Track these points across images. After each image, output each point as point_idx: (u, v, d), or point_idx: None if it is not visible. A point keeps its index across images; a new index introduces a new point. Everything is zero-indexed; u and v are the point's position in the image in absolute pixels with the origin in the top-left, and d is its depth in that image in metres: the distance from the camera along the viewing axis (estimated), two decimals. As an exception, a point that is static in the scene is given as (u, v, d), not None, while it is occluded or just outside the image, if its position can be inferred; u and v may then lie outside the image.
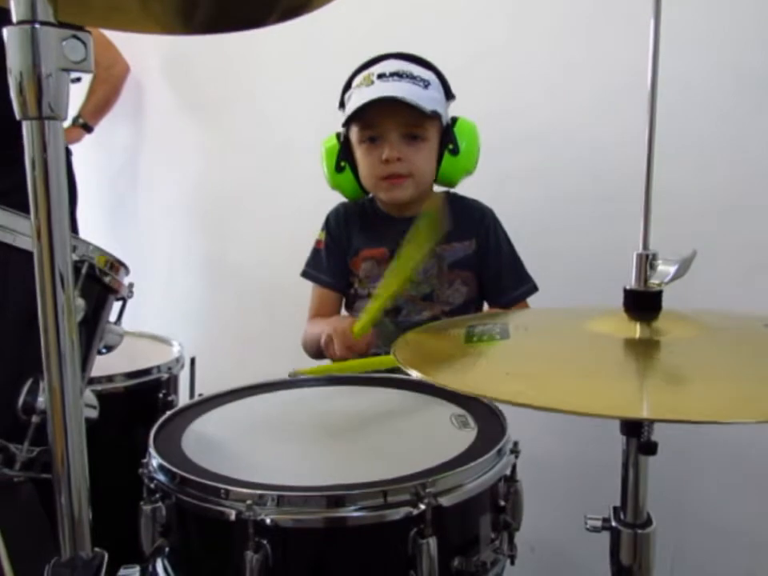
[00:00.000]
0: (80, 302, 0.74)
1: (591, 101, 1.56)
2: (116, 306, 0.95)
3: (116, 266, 0.86)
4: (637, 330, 0.70)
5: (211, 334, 2.51)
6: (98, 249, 0.81)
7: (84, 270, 0.78)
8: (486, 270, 1.39)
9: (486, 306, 1.43)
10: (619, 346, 0.69)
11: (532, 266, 1.42)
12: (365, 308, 1.26)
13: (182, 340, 1.55)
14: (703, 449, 1.44)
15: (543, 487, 1.72)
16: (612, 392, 0.59)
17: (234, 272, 2.45)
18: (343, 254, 1.44)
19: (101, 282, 0.83)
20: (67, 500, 0.56)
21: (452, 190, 1.44)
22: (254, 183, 2.32)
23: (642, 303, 0.71)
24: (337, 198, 1.46)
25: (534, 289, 1.39)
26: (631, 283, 0.72)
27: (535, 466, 1.79)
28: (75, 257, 0.77)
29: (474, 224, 1.39)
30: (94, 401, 0.83)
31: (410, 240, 1.17)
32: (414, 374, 0.66)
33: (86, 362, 0.84)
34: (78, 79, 0.74)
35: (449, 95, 1.37)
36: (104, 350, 0.89)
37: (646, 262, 0.69)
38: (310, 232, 1.49)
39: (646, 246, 0.68)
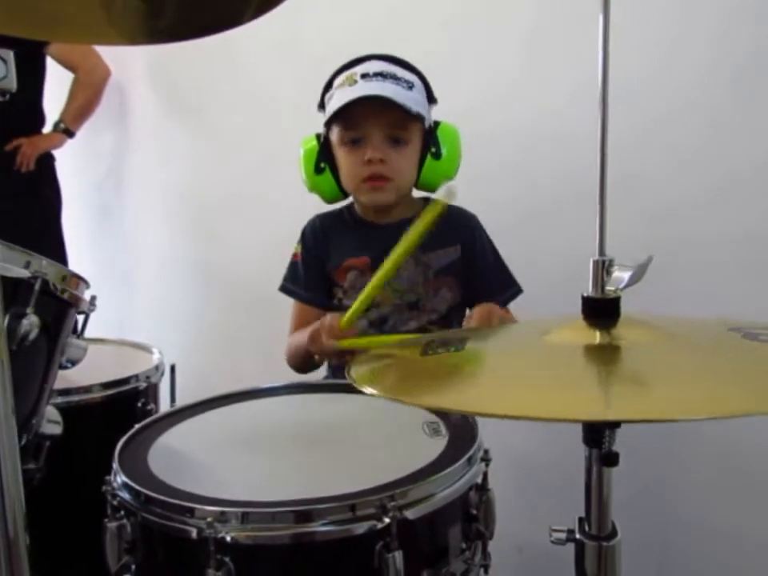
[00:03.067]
0: (33, 320, 0.73)
1: (557, 99, 1.56)
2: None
3: (74, 280, 0.85)
4: (597, 337, 0.69)
5: (198, 339, 2.50)
6: (52, 264, 0.80)
7: (37, 287, 0.76)
8: (471, 274, 1.37)
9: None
10: (579, 353, 0.68)
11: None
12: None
13: (168, 346, 1.53)
14: (686, 449, 1.43)
15: (531, 490, 1.71)
16: (575, 397, 0.59)
17: (222, 277, 2.43)
18: (321, 267, 1.41)
19: (57, 298, 0.82)
20: (2, 525, 0.55)
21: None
22: (240, 187, 2.30)
23: (600, 310, 0.69)
24: (317, 203, 1.44)
25: (519, 291, 1.38)
26: (588, 290, 0.71)
27: (523, 468, 1.80)
28: (28, 273, 0.76)
29: (459, 230, 1.38)
30: (57, 417, 0.82)
31: (402, 240, 1.15)
32: (370, 391, 0.65)
33: (47, 377, 0.83)
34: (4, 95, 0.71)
35: (431, 99, 1.35)
36: (68, 365, 0.88)
37: (603, 268, 0.67)
38: (296, 236, 1.47)
39: (602, 251, 0.67)
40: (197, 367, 1.97)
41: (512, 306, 1.37)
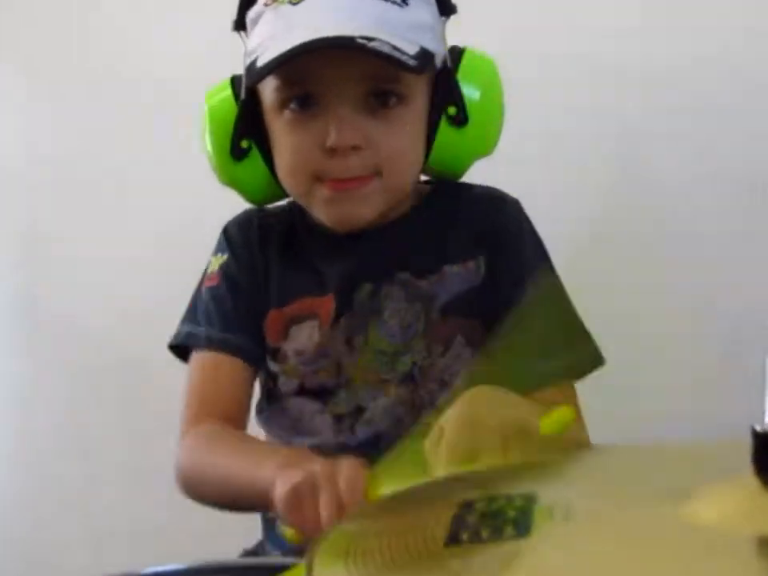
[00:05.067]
0: None
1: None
2: None
3: None
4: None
5: (20, 446, 1.57)
6: None
7: None
8: (503, 312, 0.71)
9: None
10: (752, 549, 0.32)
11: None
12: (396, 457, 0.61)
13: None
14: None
15: None
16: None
17: (57, 325, 1.52)
18: (258, 293, 0.84)
19: None
20: None
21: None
22: (86, 168, 1.47)
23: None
24: (233, 204, 0.89)
25: (598, 361, 0.79)
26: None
27: None
28: None
29: (483, 228, 0.82)
30: None
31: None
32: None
33: None
34: None
35: (445, 7, 0.79)
36: None
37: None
38: (185, 262, 0.92)
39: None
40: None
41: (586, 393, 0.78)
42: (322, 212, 0.79)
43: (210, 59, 1.00)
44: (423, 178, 0.88)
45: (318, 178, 0.77)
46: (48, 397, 1.51)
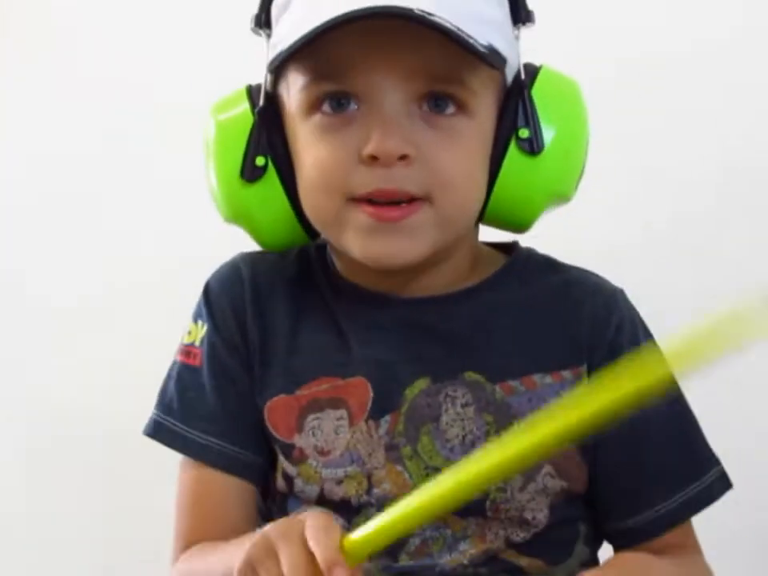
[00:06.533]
0: None
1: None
2: None
3: None
4: None
5: None
6: None
7: None
8: (609, 440, 0.60)
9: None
10: None
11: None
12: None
13: None
14: None
15: None
16: None
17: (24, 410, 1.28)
18: (253, 377, 0.64)
19: None
20: None
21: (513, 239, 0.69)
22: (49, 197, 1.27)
23: None
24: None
25: (726, 485, 0.64)
26: None
27: None
28: None
29: (590, 330, 0.64)
30: None
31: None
32: None
33: None
34: None
35: (519, 13, 0.63)
36: None
37: None
38: (169, 327, 0.69)
39: None
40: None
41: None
42: (355, 245, 0.59)
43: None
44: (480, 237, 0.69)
45: (351, 199, 0.58)
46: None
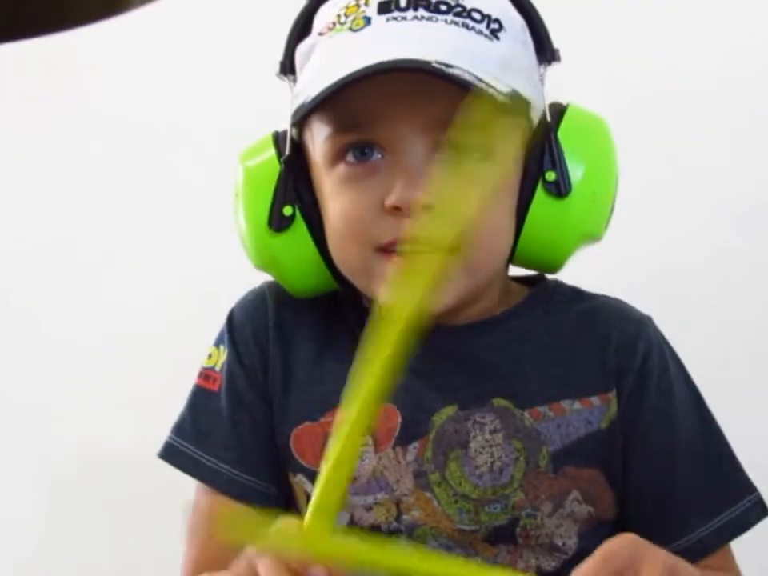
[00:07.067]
0: None
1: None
2: None
3: None
4: None
5: None
6: None
7: None
8: (637, 462, 0.63)
9: None
10: None
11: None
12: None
13: None
14: None
15: None
16: None
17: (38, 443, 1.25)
18: (272, 407, 0.65)
19: None
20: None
21: (553, 277, 0.68)
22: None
23: None
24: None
25: (763, 512, 0.63)
26: None
27: None
28: None
29: (612, 355, 0.64)
30: None
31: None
32: None
33: None
34: None
35: (545, 52, 0.63)
36: None
37: None
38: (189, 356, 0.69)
39: None
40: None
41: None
42: (383, 294, 0.59)
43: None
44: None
45: (378, 249, 0.58)
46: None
